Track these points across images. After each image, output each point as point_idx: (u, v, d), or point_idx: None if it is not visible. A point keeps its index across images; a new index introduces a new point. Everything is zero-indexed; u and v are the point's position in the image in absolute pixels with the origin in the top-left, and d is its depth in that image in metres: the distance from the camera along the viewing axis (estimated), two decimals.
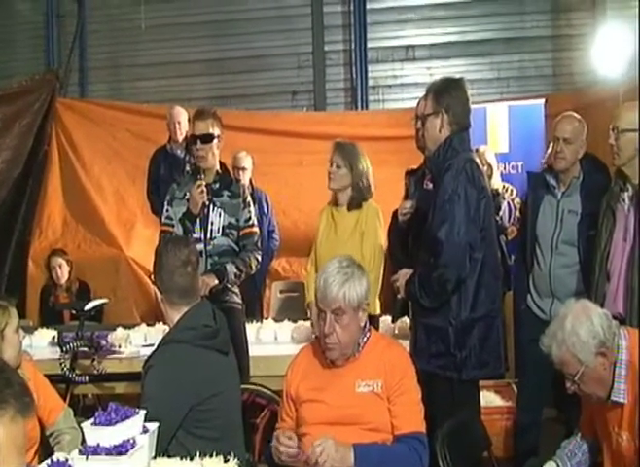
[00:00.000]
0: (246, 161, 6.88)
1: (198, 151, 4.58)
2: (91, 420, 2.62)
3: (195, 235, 4.52)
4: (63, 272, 7.04)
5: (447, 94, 3.87)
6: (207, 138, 4.57)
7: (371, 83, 9.12)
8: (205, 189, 4.52)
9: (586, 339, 2.86)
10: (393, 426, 3.02)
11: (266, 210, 7.06)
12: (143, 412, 2.69)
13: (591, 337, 2.86)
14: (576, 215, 4.38)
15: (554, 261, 4.36)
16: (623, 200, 3.99)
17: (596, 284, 4.04)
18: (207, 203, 4.55)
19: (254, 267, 4.65)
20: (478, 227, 3.71)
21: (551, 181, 4.49)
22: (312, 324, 4.69)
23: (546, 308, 4.39)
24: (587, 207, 4.35)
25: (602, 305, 3.89)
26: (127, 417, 2.63)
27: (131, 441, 2.55)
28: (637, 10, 6.67)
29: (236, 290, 4.65)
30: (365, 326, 3.15)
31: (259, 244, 4.75)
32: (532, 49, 8.86)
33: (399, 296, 3.99)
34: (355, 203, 4.86)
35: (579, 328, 2.87)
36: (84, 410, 5.04)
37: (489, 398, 4.66)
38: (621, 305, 3.89)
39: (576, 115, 4.63)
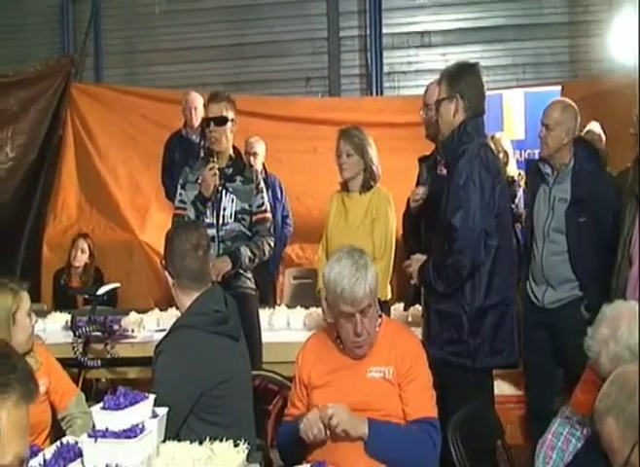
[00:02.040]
0: (258, 147, 6.86)
1: (212, 133, 4.58)
2: (100, 404, 2.62)
3: (208, 220, 4.52)
4: (83, 256, 7.08)
5: (462, 79, 3.85)
6: (221, 121, 4.57)
7: (386, 69, 9.06)
8: (218, 172, 4.51)
9: (636, 349, 2.77)
10: (405, 412, 3.00)
11: (279, 196, 7.05)
12: (152, 396, 2.68)
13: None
14: (565, 202, 4.38)
15: (546, 249, 4.37)
16: None
17: (618, 269, 4.02)
18: (220, 188, 4.55)
19: (267, 252, 4.65)
20: (492, 213, 3.69)
21: (545, 169, 4.49)
22: (324, 311, 4.68)
23: (540, 295, 4.38)
24: (577, 193, 4.36)
25: (624, 290, 3.90)
26: (137, 402, 2.62)
27: (140, 425, 2.54)
28: (637, 3, 6.62)
29: (250, 276, 4.65)
30: (376, 312, 3.14)
31: (272, 230, 4.74)
32: (548, 35, 8.76)
33: (412, 282, 3.97)
34: (366, 186, 4.85)
35: (631, 339, 2.79)
36: (97, 394, 5.06)
37: (502, 387, 4.65)
38: None
39: (565, 101, 4.63)
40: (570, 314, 4.29)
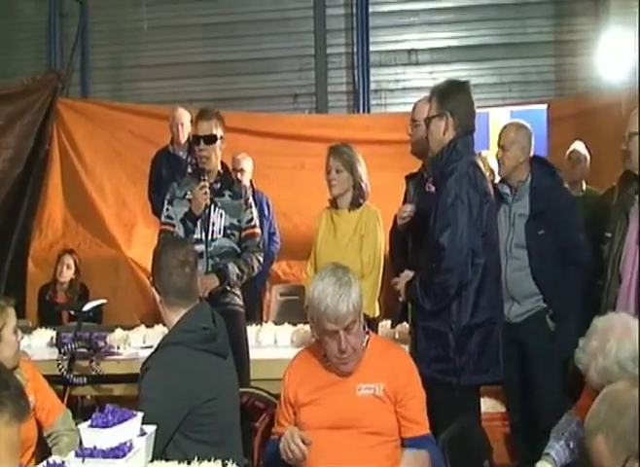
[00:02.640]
0: (245, 163, 6.87)
1: (202, 151, 4.56)
2: (88, 422, 2.60)
3: (196, 236, 4.50)
4: (69, 272, 7.06)
5: (452, 97, 3.87)
6: (211, 139, 4.55)
7: (373, 86, 9.12)
8: (209, 191, 4.50)
9: (626, 364, 2.81)
10: (405, 428, 3.01)
11: (266, 213, 7.04)
12: (141, 414, 2.67)
13: (632, 362, 2.80)
14: (525, 217, 4.46)
15: (509, 265, 4.39)
16: (638, 204, 4.00)
17: (608, 286, 4.06)
18: (208, 203, 4.53)
19: (256, 268, 4.63)
20: (480, 231, 3.70)
21: (503, 189, 4.57)
22: (312, 328, 4.66)
23: (506, 311, 4.39)
24: (535, 207, 4.44)
25: (614, 307, 3.93)
26: (125, 420, 2.61)
27: (128, 444, 2.53)
28: (637, 17, 6.69)
29: (238, 292, 4.63)
30: (364, 328, 3.13)
31: (261, 245, 4.73)
32: (534, 54, 8.87)
33: (400, 298, 3.97)
34: (356, 203, 4.85)
35: (621, 352, 2.82)
36: (82, 411, 4.99)
37: (489, 404, 4.64)
38: (632, 307, 3.89)
39: (519, 122, 4.75)
40: (536, 325, 4.36)
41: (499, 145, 4.62)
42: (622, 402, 2.14)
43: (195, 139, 4.64)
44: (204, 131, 4.56)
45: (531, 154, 4.60)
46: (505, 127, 4.69)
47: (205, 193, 4.48)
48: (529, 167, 4.55)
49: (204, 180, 4.52)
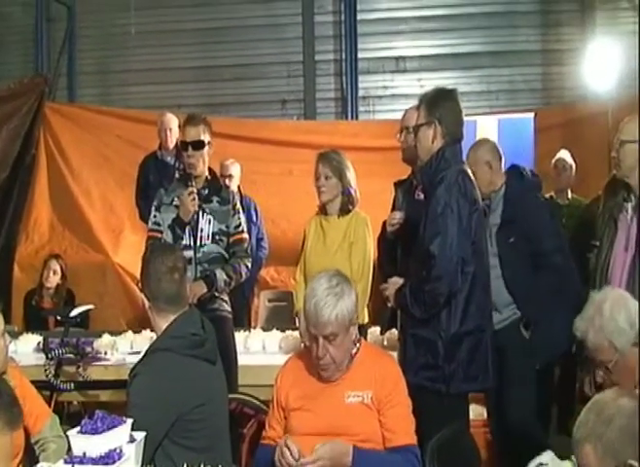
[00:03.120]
0: (233, 169, 6.86)
1: (189, 158, 4.55)
2: (78, 428, 2.58)
3: (185, 242, 4.49)
4: (55, 277, 7.04)
5: (440, 105, 3.86)
6: (198, 145, 4.54)
7: (361, 93, 9.16)
8: (197, 197, 4.49)
9: (623, 326, 2.87)
10: (385, 438, 3.01)
11: (254, 218, 7.04)
12: (130, 420, 2.66)
13: (629, 325, 2.87)
14: (496, 227, 4.48)
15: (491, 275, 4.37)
16: (627, 211, 4.02)
17: None
18: (197, 210, 4.52)
19: (244, 274, 4.62)
20: (469, 240, 3.70)
21: (485, 202, 4.54)
22: (301, 333, 4.67)
23: None
24: (505, 215, 4.46)
25: None
26: (114, 426, 2.60)
27: (118, 451, 2.52)
28: (637, 26, 6.74)
29: (226, 298, 4.63)
30: (355, 337, 3.13)
31: (249, 251, 4.72)
32: (522, 63, 8.95)
33: (389, 304, 3.97)
34: (345, 209, 4.86)
35: (617, 315, 2.89)
36: (68, 417, 4.99)
37: (477, 411, 4.64)
38: None
39: (478, 141, 4.83)
40: (511, 334, 4.34)
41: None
42: (609, 411, 2.15)
43: (182, 145, 4.63)
44: (192, 137, 4.55)
45: (502, 162, 4.62)
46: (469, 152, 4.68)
47: (193, 199, 4.47)
48: (504, 177, 4.58)
49: (192, 186, 4.51)
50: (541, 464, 2.78)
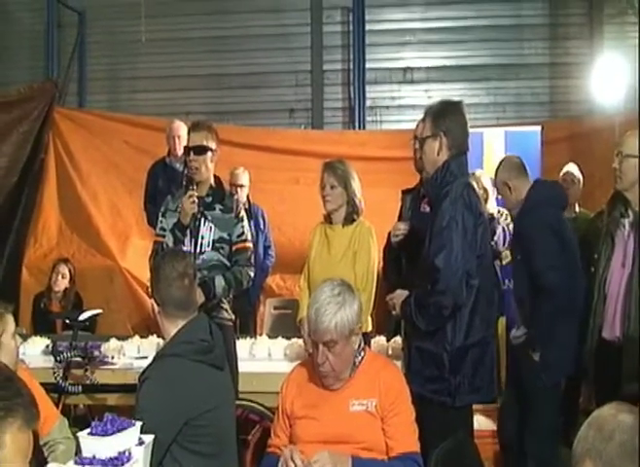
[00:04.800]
0: (244, 178, 6.89)
1: (191, 162, 4.56)
2: (88, 430, 2.61)
3: (185, 248, 4.47)
4: (64, 281, 7.09)
5: (446, 118, 3.86)
6: (200, 150, 4.54)
7: (368, 103, 9.18)
8: (197, 200, 4.49)
9: None
10: (388, 447, 3.04)
11: (262, 226, 7.07)
12: (139, 423, 2.69)
13: None
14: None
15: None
16: (624, 226, 4.06)
17: (594, 308, 4.09)
18: (198, 216, 4.52)
19: (245, 282, 4.59)
20: (474, 253, 3.71)
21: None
22: (305, 342, 4.70)
23: (512, 332, 4.41)
24: (515, 229, 4.55)
25: (600, 330, 3.98)
26: (124, 428, 2.63)
27: (127, 453, 2.54)
28: (637, 41, 6.77)
29: (227, 306, 4.62)
30: (359, 346, 3.17)
31: (252, 260, 4.68)
32: (529, 75, 8.98)
33: (394, 312, 3.99)
34: (349, 219, 4.90)
35: None
36: (75, 420, 5.02)
37: (481, 421, 4.67)
38: (618, 330, 3.94)
39: (505, 158, 4.83)
40: (524, 353, 4.36)
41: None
42: (609, 427, 2.16)
43: (185, 150, 4.65)
44: (194, 142, 4.57)
45: (525, 176, 4.63)
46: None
47: (193, 202, 4.46)
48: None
49: (192, 189, 4.52)
50: None
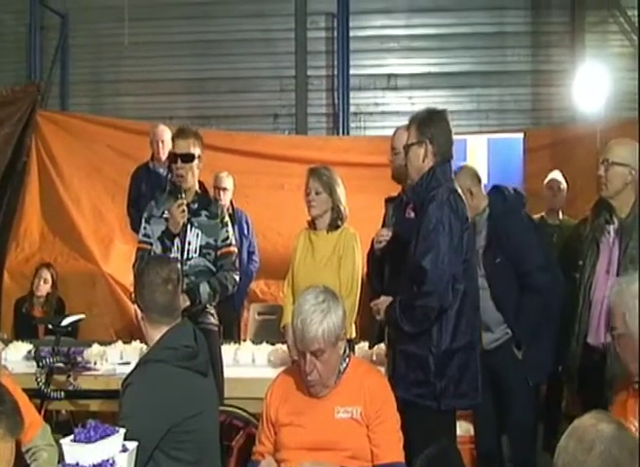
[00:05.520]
0: (227, 182, 6.88)
1: (178, 170, 4.55)
2: (71, 437, 2.59)
3: (172, 255, 4.48)
4: (46, 286, 7.06)
5: (432, 125, 3.89)
6: (188, 158, 4.54)
7: (352, 109, 9.21)
8: (186, 209, 4.51)
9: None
10: (373, 454, 3.04)
11: (246, 231, 7.05)
12: (123, 430, 2.68)
13: None
14: (482, 248, 4.51)
15: (482, 296, 4.37)
16: (609, 233, 4.08)
17: (579, 315, 4.12)
18: (185, 222, 4.53)
19: (231, 287, 4.62)
20: (460, 258, 3.73)
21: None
22: (289, 347, 4.70)
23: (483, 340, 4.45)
24: (491, 234, 4.50)
25: (585, 335, 4.01)
26: (107, 435, 2.62)
27: (110, 461, 2.54)
28: (637, 49, 6.82)
29: (213, 311, 4.63)
30: (344, 352, 3.17)
31: (237, 264, 4.71)
32: (512, 83, 9.05)
33: (378, 317, 3.99)
34: (334, 225, 4.90)
35: None
36: (57, 426, 4.99)
37: (463, 427, 4.67)
38: (603, 336, 3.96)
39: (465, 167, 4.84)
40: (505, 353, 4.41)
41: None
42: (589, 437, 2.17)
43: (172, 157, 4.63)
44: (181, 150, 4.55)
45: (482, 185, 4.69)
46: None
47: (182, 211, 4.48)
48: (486, 199, 4.63)
49: (182, 198, 4.53)
50: None
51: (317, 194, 4.87)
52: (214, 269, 4.58)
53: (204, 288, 4.46)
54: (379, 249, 4.36)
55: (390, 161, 4.53)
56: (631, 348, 2.98)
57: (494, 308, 4.45)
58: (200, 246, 4.55)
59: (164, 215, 4.58)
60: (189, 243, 4.54)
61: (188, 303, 4.33)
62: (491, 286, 4.44)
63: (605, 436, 2.13)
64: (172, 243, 4.52)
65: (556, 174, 6.54)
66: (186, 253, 4.53)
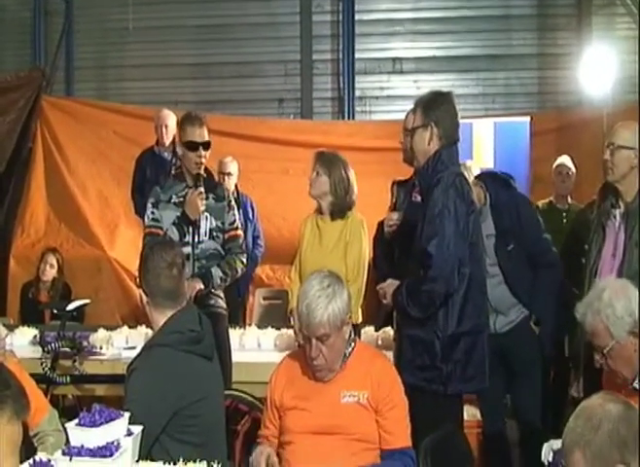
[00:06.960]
0: (232, 167, 6.87)
1: (199, 158, 4.58)
2: (76, 421, 2.61)
3: (184, 239, 4.53)
4: (52, 271, 7.07)
5: (437, 108, 3.87)
6: (208, 145, 4.61)
7: (358, 94, 9.16)
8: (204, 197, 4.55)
9: (621, 314, 2.95)
10: (383, 440, 3.05)
11: (251, 216, 7.04)
12: (127, 414, 2.69)
13: (627, 313, 2.95)
14: (493, 237, 4.47)
15: (489, 283, 4.30)
16: (614, 217, 4.07)
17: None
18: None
19: (239, 270, 4.67)
20: (466, 242, 3.72)
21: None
22: (295, 332, 4.71)
23: (491, 323, 4.43)
24: (499, 226, 4.47)
25: None
26: (112, 419, 2.62)
27: (115, 443, 2.54)
28: (637, 32, 6.78)
29: (222, 295, 4.67)
30: (350, 336, 3.17)
31: (244, 247, 4.79)
32: (518, 66, 8.99)
33: (384, 301, 3.99)
34: (337, 212, 4.89)
35: (616, 302, 2.96)
36: (63, 410, 5.01)
37: (470, 411, 4.67)
38: None
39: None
40: (521, 332, 4.41)
41: None
42: (597, 417, 2.17)
43: (191, 145, 4.59)
44: (202, 138, 4.60)
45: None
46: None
47: (202, 199, 4.52)
48: (484, 186, 4.53)
49: (200, 186, 4.55)
50: (554, 450, 2.84)
51: (317, 175, 4.88)
52: (223, 253, 4.63)
53: (216, 272, 4.52)
54: (389, 233, 4.36)
55: (401, 143, 4.50)
56: (623, 354, 2.99)
57: (507, 293, 4.44)
58: (210, 229, 4.60)
59: (173, 200, 4.60)
60: (199, 227, 4.58)
61: (201, 286, 4.38)
62: (505, 272, 4.42)
63: (613, 415, 2.14)
64: (188, 229, 4.55)
65: (565, 159, 6.48)
66: (197, 236, 4.57)
